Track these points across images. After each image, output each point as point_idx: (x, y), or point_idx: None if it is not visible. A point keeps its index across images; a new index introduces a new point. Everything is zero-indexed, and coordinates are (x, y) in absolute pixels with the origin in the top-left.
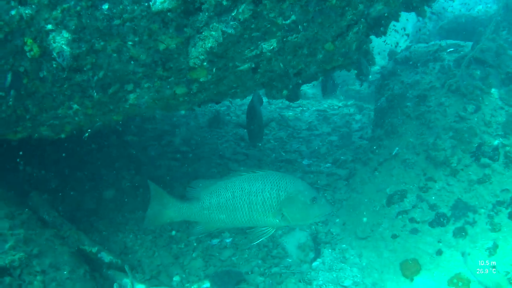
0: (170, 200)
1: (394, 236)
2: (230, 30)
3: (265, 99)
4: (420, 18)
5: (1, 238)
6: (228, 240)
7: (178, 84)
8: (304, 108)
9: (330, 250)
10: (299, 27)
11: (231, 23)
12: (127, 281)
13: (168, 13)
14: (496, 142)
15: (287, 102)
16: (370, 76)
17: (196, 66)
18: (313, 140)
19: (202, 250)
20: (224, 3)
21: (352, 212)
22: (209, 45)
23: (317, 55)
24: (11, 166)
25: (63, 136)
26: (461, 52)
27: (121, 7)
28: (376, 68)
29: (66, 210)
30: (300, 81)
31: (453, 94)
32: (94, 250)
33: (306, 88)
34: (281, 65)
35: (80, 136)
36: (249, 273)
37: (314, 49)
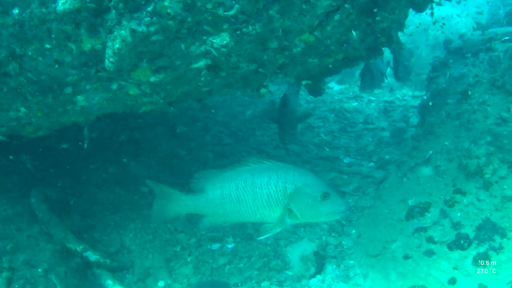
0: (174, 194)
1: (406, 257)
2: (141, 28)
3: (337, 87)
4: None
5: None
6: (230, 246)
7: (126, 85)
8: (373, 98)
9: (334, 266)
10: (251, 18)
11: (146, 19)
12: (109, 282)
13: (77, 14)
14: None
15: (356, 92)
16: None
17: (111, 69)
18: (364, 135)
19: (198, 255)
20: None
21: (370, 223)
22: (117, 46)
23: (294, 49)
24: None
25: (40, 133)
26: None
27: (29, 10)
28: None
29: (80, 204)
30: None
31: (498, 90)
32: (79, 248)
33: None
34: (246, 61)
35: (111, 127)
36: (238, 285)
37: (288, 42)
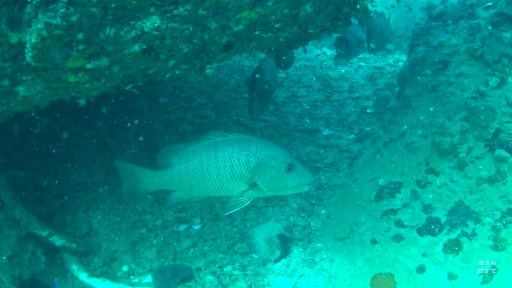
0: (141, 172)
1: (374, 241)
2: (56, 21)
3: (329, 52)
4: None
5: None
6: (196, 227)
7: (64, 74)
8: (363, 64)
9: (301, 249)
10: None
11: (61, 11)
12: (75, 267)
13: None
14: None
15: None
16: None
17: (32, 63)
18: (348, 105)
19: (163, 237)
20: None
21: (341, 203)
22: (33, 40)
23: (235, 27)
24: None
25: None
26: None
27: None
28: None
29: (54, 185)
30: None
31: (476, 61)
32: (44, 234)
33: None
34: (185, 42)
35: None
36: (202, 269)
37: (227, 19)
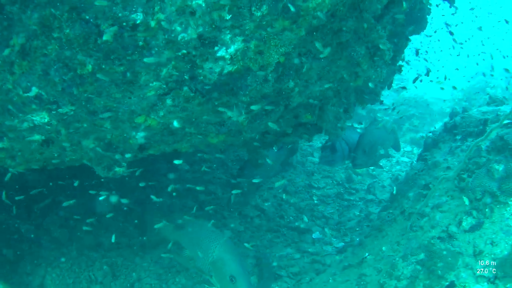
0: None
1: None
2: None
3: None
4: None
5: None
6: None
7: None
8: (404, 160)
9: None
10: (60, 99)
11: None
12: None
13: None
14: None
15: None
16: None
17: None
18: (355, 207)
19: None
20: None
21: None
22: None
23: (133, 131)
24: None
25: None
26: None
27: None
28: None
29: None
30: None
31: (460, 193)
32: None
33: None
34: (86, 139)
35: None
36: None
37: (122, 123)
